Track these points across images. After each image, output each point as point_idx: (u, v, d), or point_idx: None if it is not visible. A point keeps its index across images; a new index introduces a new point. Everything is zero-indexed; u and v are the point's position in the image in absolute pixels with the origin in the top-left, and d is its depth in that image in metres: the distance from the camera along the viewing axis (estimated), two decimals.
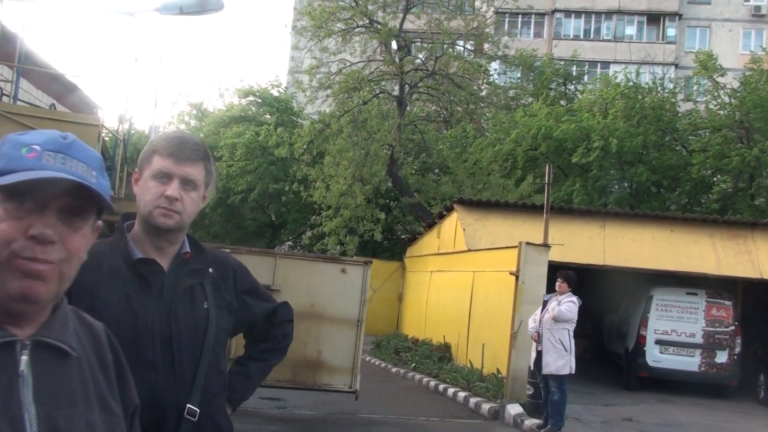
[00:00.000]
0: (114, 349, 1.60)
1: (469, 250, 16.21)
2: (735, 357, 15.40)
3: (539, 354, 10.66)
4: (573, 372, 10.50)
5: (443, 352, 16.57)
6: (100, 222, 1.51)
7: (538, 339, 10.68)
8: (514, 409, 11.71)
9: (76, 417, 1.40)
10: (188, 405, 2.34)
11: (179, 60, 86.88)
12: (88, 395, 1.45)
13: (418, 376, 15.58)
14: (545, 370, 10.47)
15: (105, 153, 15.98)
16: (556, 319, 10.41)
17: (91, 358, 1.51)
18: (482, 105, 25.73)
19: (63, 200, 1.39)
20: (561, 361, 10.36)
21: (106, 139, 16.69)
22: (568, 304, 10.43)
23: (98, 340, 1.57)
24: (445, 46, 23.41)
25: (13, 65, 13.56)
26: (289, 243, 33.78)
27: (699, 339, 15.44)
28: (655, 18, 42.71)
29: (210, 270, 2.52)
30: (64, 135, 1.44)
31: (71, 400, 1.41)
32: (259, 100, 33.80)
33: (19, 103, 13.39)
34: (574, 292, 10.62)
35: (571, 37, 42.36)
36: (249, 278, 2.75)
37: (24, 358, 1.37)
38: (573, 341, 10.54)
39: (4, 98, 13.76)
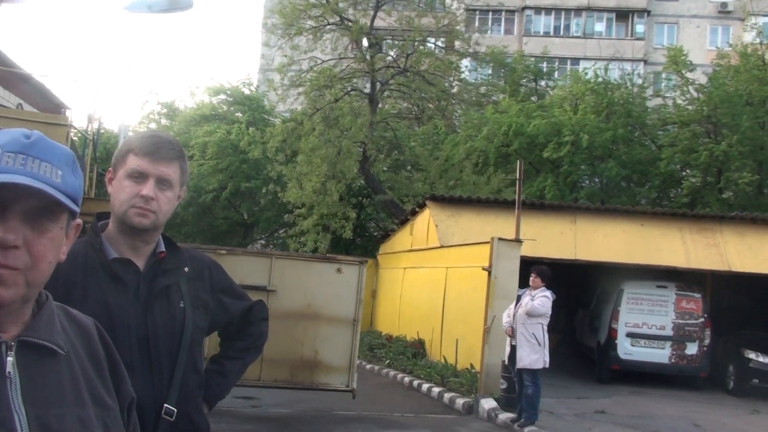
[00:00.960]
0: (105, 343, 1.58)
1: (442, 247, 16.26)
2: (705, 349, 15.61)
3: (513, 348, 10.73)
4: (547, 366, 10.59)
5: (417, 348, 16.60)
6: (79, 221, 1.46)
7: (512, 334, 10.75)
8: (488, 403, 11.78)
9: (69, 416, 1.38)
10: (165, 405, 2.34)
11: (149, 58, 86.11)
12: (79, 392, 1.42)
13: (392, 373, 15.60)
14: (519, 365, 10.53)
15: (74, 153, 15.81)
16: (530, 314, 10.48)
17: (81, 354, 1.48)
18: (453, 102, 25.85)
19: (25, 203, 1.33)
20: (535, 355, 10.43)
21: (75, 139, 16.52)
22: (541, 299, 10.51)
23: (88, 336, 1.54)
24: (416, 43, 23.48)
25: None
26: (262, 241, 33.62)
27: (669, 331, 15.64)
28: (623, 14, 43.13)
29: (186, 269, 2.51)
30: (27, 134, 1.38)
31: (62, 398, 1.39)
32: (230, 99, 33.62)
33: None
34: (548, 287, 10.71)
35: (542, 33, 42.63)
36: (224, 277, 2.75)
37: (10, 359, 1.33)
38: (547, 335, 10.63)
39: None
